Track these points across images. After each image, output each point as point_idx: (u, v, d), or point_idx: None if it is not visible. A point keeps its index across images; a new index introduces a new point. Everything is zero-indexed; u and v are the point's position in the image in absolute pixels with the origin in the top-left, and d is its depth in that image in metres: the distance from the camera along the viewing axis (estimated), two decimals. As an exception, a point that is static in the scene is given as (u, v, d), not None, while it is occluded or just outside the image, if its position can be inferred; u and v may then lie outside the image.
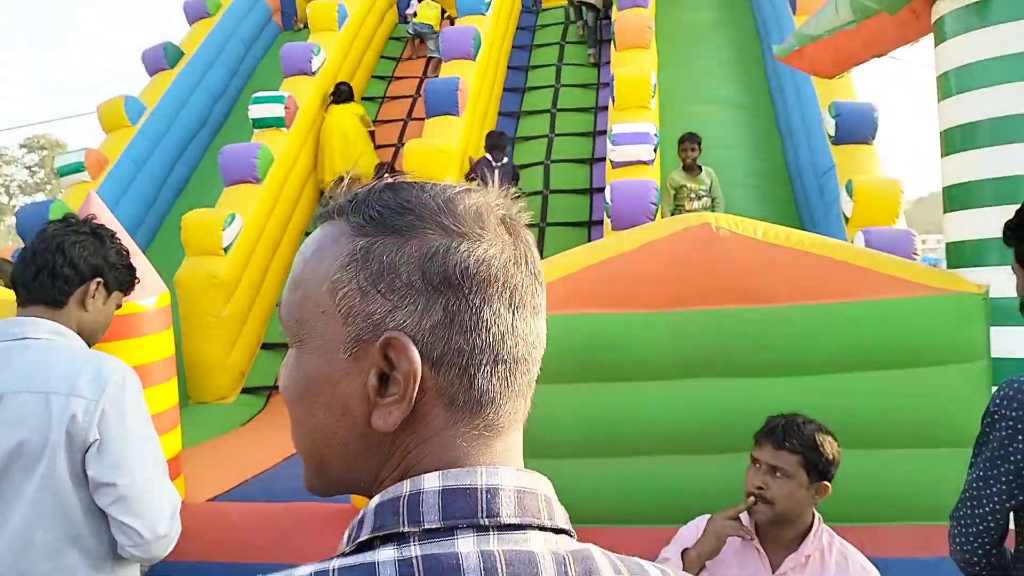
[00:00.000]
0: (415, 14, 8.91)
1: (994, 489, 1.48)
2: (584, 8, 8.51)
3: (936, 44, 2.92)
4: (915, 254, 4.60)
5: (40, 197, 45.50)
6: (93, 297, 1.75)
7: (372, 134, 7.56)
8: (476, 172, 6.28)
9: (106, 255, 1.77)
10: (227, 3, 8.76)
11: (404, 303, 0.54)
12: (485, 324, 0.55)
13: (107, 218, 3.49)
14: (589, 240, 6.61)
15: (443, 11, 8.99)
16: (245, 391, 5.75)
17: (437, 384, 0.55)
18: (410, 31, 8.99)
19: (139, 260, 3.54)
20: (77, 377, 1.61)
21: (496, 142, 6.51)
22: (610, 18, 7.93)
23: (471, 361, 0.55)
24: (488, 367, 0.55)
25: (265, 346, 6.14)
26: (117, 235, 1.84)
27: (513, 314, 0.56)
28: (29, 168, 45.04)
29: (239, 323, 5.82)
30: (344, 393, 0.56)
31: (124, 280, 1.83)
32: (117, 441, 1.58)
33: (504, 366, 0.56)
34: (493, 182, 0.62)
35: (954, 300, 2.56)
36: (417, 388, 0.54)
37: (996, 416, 1.49)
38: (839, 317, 2.55)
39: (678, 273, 2.62)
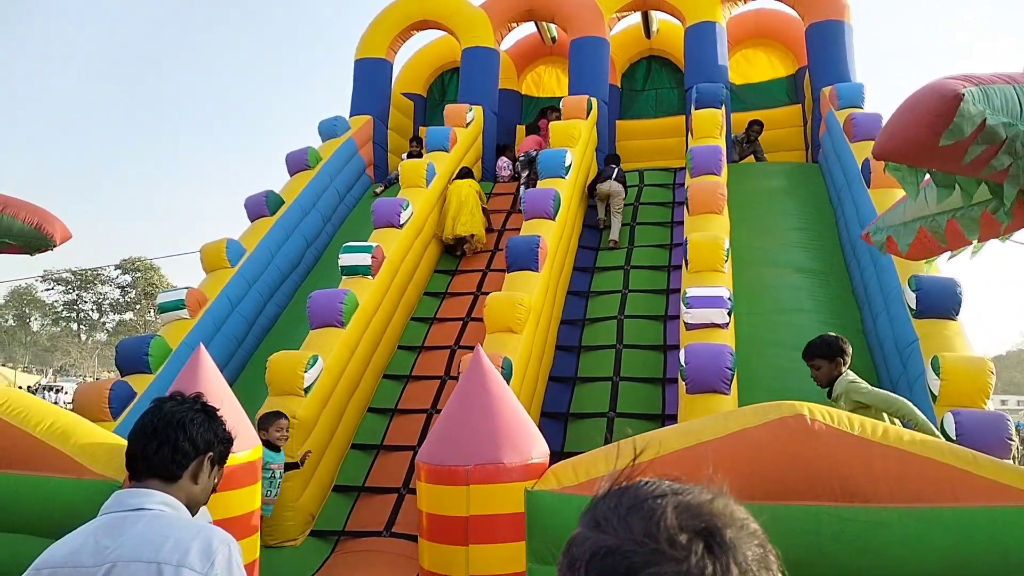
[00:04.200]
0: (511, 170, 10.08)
1: None
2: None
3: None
4: (1009, 439, 4.40)
5: (129, 316, 48.03)
6: (203, 470, 1.87)
7: (485, 211, 8.97)
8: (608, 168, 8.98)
9: (216, 430, 1.91)
10: (326, 157, 9.53)
11: None
12: None
13: (213, 375, 3.72)
14: (663, 397, 6.59)
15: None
16: (313, 534, 5.74)
17: None
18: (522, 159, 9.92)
19: (238, 415, 3.74)
20: (188, 549, 1.69)
21: (613, 160, 9.30)
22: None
23: None
24: None
25: (337, 488, 6.17)
26: (221, 410, 1.97)
27: None
28: (122, 288, 47.89)
29: (313, 464, 5.90)
30: None
31: (226, 455, 1.96)
32: None
33: None
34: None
35: (1067, 512, 2.45)
36: None
37: None
38: (943, 523, 2.47)
39: (772, 465, 2.60)
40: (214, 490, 1.99)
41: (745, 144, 10.12)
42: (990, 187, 2.67)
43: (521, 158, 9.92)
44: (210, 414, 1.93)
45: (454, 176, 9.07)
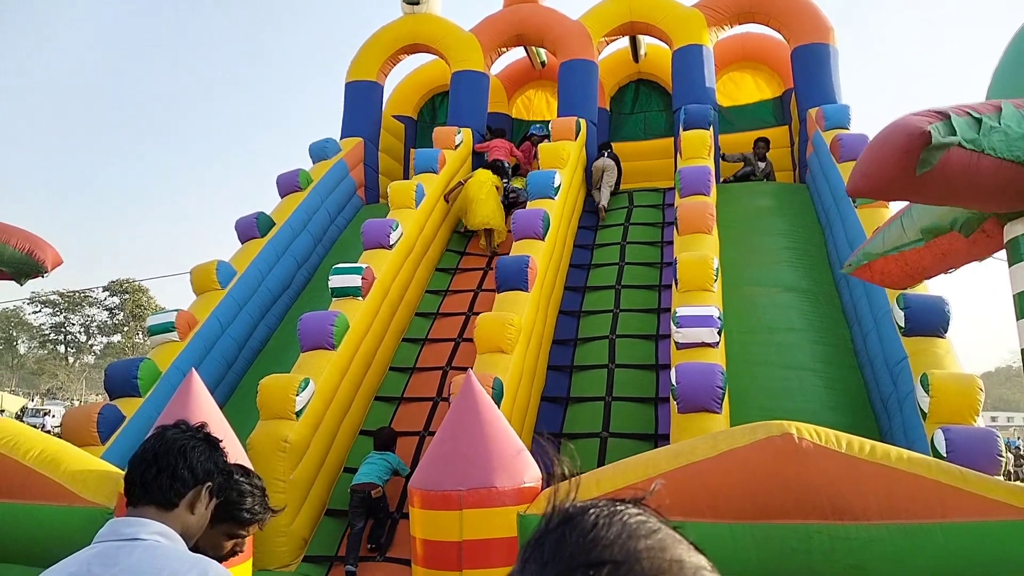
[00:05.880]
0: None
1: None
2: None
3: (1011, 264, 3.00)
4: (999, 456, 4.44)
5: (117, 338, 47.65)
6: (201, 501, 1.85)
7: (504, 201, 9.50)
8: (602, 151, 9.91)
9: (216, 461, 1.90)
10: (317, 178, 9.56)
11: None
12: None
13: (205, 400, 3.72)
14: (656, 417, 6.60)
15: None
16: (307, 559, 5.69)
17: None
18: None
19: (230, 439, 3.73)
20: None
21: (605, 146, 10.06)
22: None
23: None
24: None
25: (329, 512, 6.13)
26: (223, 442, 1.98)
27: None
28: (110, 310, 47.55)
29: (305, 488, 5.87)
30: None
31: (226, 487, 1.94)
32: None
33: None
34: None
35: (1055, 528, 2.48)
36: None
37: None
38: (932, 539, 2.49)
39: (761, 484, 2.62)
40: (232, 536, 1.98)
41: (759, 163, 10.23)
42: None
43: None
44: (212, 444, 1.92)
45: (485, 165, 9.59)
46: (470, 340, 7.15)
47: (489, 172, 9.30)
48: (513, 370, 6.13)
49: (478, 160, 10.01)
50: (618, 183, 9.80)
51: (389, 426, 6.49)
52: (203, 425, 1.99)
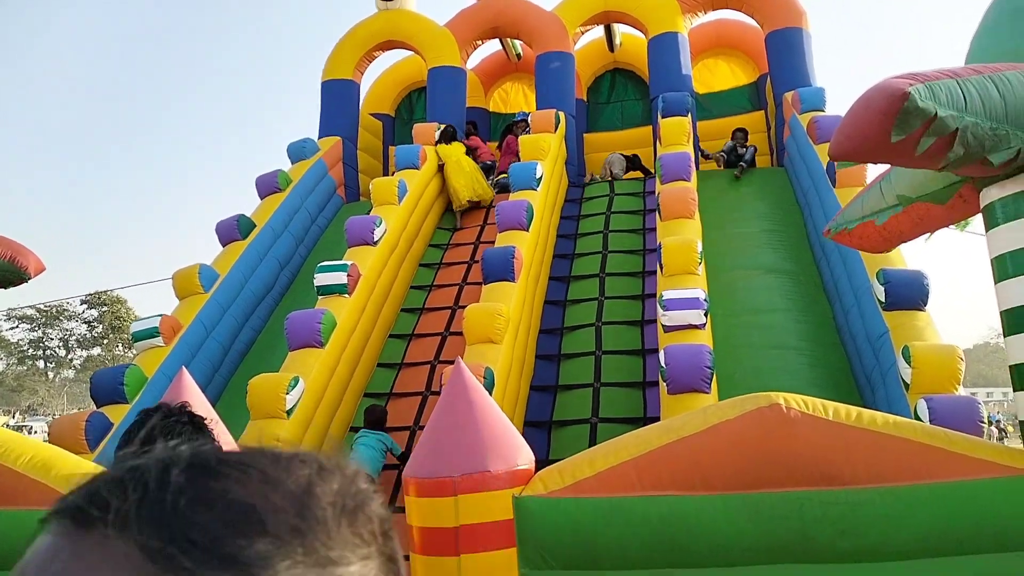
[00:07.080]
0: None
1: None
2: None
3: (988, 228, 3.07)
4: (981, 422, 4.53)
5: (97, 351, 47.07)
6: None
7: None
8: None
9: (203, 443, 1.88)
10: (296, 179, 9.52)
11: None
12: None
13: (197, 399, 3.71)
14: (644, 401, 6.65)
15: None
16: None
17: None
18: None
19: (224, 437, 3.72)
20: None
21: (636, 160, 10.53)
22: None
23: None
24: None
25: (321, 511, 6.12)
26: (210, 421, 1.95)
27: None
28: (88, 323, 46.90)
29: (297, 487, 5.85)
30: None
31: None
32: None
33: None
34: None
35: (1039, 483, 2.54)
36: None
37: None
38: (922, 499, 2.54)
39: (751, 455, 2.67)
40: None
41: (741, 150, 10.19)
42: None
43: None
44: (197, 426, 1.90)
45: (437, 139, 9.64)
46: (457, 334, 7.17)
47: (452, 147, 9.51)
48: (503, 360, 6.15)
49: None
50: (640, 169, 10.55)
51: (382, 405, 6.59)
52: (185, 404, 1.96)
